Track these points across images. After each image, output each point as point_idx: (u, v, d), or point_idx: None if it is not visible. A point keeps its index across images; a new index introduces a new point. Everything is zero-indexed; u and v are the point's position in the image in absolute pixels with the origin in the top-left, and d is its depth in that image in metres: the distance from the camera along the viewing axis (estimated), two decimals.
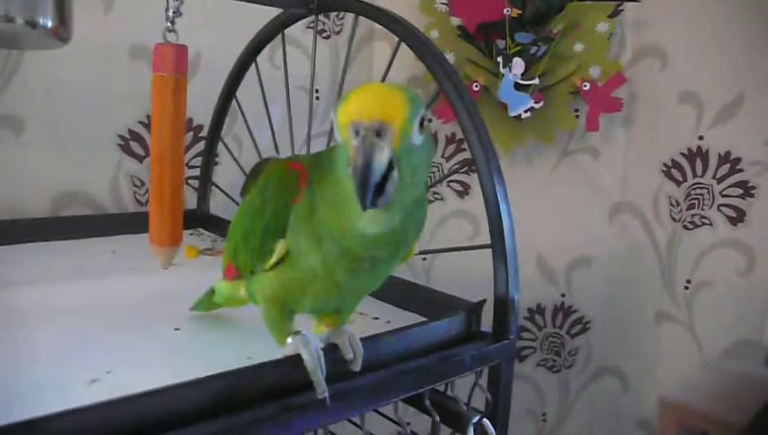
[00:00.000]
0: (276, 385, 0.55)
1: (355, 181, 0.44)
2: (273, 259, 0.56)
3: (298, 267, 0.56)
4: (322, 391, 0.55)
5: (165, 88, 0.79)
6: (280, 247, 0.55)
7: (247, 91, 1.21)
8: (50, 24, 0.72)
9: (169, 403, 0.49)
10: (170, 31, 0.79)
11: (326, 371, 0.56)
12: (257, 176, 0.60)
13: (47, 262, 1.00)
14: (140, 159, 1.30)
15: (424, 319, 0.79)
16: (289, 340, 0.57)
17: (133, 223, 1.17)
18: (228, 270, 0.67)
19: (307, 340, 0.56)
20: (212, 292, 0.75)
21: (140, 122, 1.29)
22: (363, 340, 0.61)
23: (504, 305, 0.72)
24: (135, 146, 1.30)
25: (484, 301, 0.75)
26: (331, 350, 0.59)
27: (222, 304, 0.75)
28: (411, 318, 0.82)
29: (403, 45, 0.86)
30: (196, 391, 0.51)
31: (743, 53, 1.45)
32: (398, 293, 0.87)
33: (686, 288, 1.59)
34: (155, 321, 0.77)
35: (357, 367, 0.59)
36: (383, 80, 0.97)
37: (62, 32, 0.75)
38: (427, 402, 0.65)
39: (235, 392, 0.53)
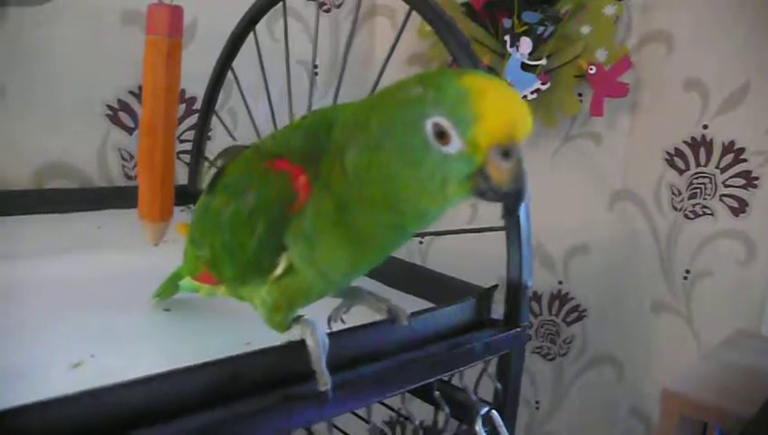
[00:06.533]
0: (278, 374, 0.51)
1: (510, 199, 0.44)
2: (278, 272, 0.51)
3: (306, 274, 0.51)
4: (325, 382, 0.50)
5: (158, 52, 0.74)
6: (284, 261, 0.50)
7: (244, 62, 1.15)
8: None
9: (162, 392, 0.45)
10: None
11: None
12: (224, 167, 0.55)
13: (29, 237, 0.95)
14: (130, 130, 1.24)
15: (429, 304, 0.75)
16: (293, 325, 0.53)
17: (121, 197, 1.12)
18: (205, 277, 0.60)
19: (314, 325, 0.52)
20: (176, 286, 0.70)
21: (131, 92, 1.23)
22: (368, 326, 0.58)
23: (517, 292, 0.68)
24: (124, 117, 1.24)
25: (497, 286, 0.71)
26: (334, 338, 0.54)
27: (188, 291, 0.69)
28: (416, 303, 0.78)
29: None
30: (191, 378, 0.46)
31: (749, 40, 1.42)
32: (402, 276, 0.83)
33: (685, 278, 1.57)
34: (142, 301, 0.72)
35: (405, 320, 0.58)
36: (389, 55, 0.92)
37: None
38: (437, 393, 0.61)
39: (235, 381, 0.48)
